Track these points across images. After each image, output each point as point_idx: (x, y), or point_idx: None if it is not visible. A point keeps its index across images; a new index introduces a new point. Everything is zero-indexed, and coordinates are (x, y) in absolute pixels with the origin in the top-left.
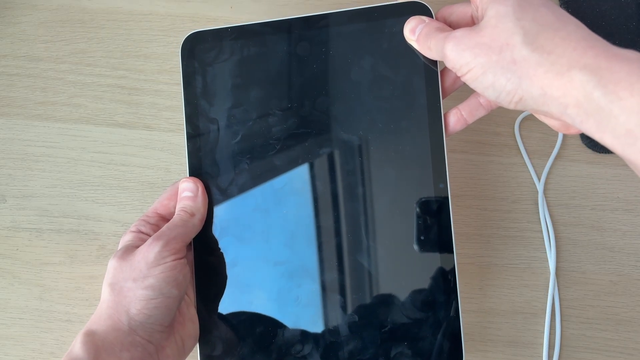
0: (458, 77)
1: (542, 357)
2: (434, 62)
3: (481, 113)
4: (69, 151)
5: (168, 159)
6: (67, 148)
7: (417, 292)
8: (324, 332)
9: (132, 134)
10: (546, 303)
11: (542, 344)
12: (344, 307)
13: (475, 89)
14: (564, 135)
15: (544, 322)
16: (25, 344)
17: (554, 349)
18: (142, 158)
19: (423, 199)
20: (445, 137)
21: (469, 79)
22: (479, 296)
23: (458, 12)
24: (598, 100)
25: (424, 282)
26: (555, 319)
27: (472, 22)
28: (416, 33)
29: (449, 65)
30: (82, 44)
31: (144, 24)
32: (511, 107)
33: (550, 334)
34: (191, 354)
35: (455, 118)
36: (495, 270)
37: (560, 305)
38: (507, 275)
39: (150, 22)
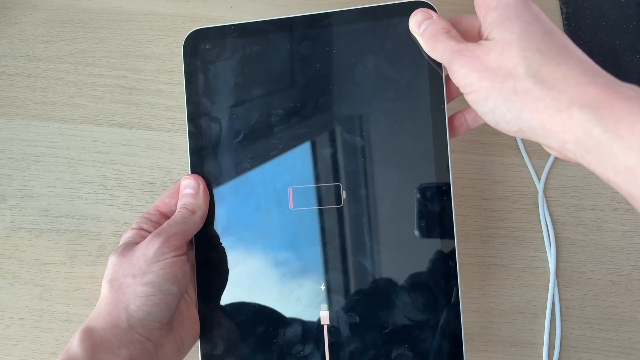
0: None
1: (542, 357)
2: (439, 63)
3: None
4: (69, 151)
5: (168, 159)
6: (67, 148)
7: (418, 294)
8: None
9: (132, 134)
10: (546, 303)
11: (542, 344)
12: (345, 308)
13: (475, 111)
14: None
15: (544, 322)
16: (25, 344)
17: (554, 349)
18: (142, 158)
19: (424, 205)
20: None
21: (471, 100)
22: (479, 296)
23: (465, 23)
24: (598, 138)
25: (426, 285)
26: (555, 319)
27: (478, 37)
28: (421, 28)
29: (452, 78)
30: (82, 44)
31: (144, 24)
32: (510, 134)
33: (550, 334)
34: (191, 353)
35: (458, 122)
36: (495, 270)
37: (560, 305)
38: (507, 275)
39: (150, 22)
